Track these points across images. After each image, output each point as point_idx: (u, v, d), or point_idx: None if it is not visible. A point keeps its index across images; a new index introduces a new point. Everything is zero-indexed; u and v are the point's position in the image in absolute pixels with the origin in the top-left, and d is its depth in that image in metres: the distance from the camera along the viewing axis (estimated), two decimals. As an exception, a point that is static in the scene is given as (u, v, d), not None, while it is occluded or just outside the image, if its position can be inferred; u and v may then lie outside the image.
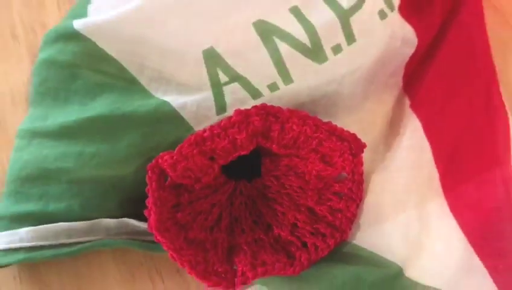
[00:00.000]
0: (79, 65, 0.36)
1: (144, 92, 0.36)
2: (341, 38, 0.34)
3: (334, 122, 0.35)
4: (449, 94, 0.37)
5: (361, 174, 0.34)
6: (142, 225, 0.33)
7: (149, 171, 0.32)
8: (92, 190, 0.33)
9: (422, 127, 0.36)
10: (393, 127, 0.37)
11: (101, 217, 0.33)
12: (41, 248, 0.32)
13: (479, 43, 0.39)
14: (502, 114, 0.36)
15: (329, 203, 0.33)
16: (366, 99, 0.37)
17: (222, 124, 0.33)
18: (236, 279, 0.31)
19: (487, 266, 0.33)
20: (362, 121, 0.37)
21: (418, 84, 0.38)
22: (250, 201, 0.34)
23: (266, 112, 0.33)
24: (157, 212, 0.30)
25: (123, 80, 0.36)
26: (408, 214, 0.34)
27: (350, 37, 0.34)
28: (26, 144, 0.34)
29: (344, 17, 0.34)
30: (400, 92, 0.38)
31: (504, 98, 0.38)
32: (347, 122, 0.36)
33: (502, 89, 0.38)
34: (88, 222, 0.33)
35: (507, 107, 0.37)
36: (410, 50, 0.37)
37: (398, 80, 0.38)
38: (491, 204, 0.35)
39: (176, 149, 0.32)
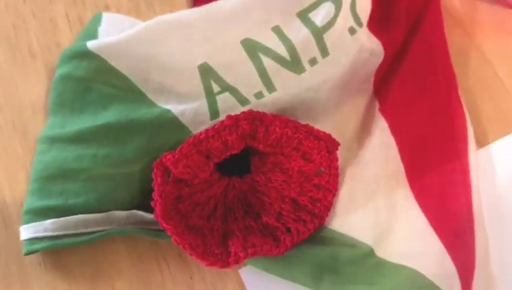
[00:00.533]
0: (92, 79, 0.38)
1: (148, 101, 0.38)
2: (316, 52, 0.37)
3: (312, 125, 0.37)
4: (413, 98, 0.39)
5: (337, 168, 0.37)
6: (149, 216, 0.35)
7: (155, 169, 0.34)
8: (105, 186, 0.35)
9: (389, 128, 0.38)
10: (364, 128, 0.39)
11: (114, 210, 0.35)
12: (63, 236, 0.35)
13: (439, 52, 0.40)
14: (460, 114, 0.39)
15: (309, 194, 0.36)
16: (341, 104, 0.39)
17: (215, 127, 0.35)
18: (230, 259, 0.34)
19: (445, 245, 0.35)
20: (338, 123, 0.39)
21: (386, 90, 0.40)
22: (241, 194, 0.36)
23: (253, 116, 0.35)
24: (162, 203, 0.33)
25: (130, 92, 0.38)
26: (377, 202, 0.37)
27: (324, 51, 0.37)
28: (47, 148, 0.37)
29: (318, 34, 0.37)
30: (371, 97, 0.40)
31: (463, 100, 0.39)
32: (324, 125, 0.38)
33: (460, 93, 0.40)
34: (103, 213, 0.35)
35: (465, 108, 0.39)
36: (378, 60, 0.39)
37: (369, 86, 0.40)
38: (450, 192, 0.37)
39: (177, 149, 0.34)
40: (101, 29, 0.39)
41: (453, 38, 0.41)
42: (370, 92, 0.40)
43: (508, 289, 0.36)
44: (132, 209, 0.35)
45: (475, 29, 0.43)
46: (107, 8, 0.43)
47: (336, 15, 0.36)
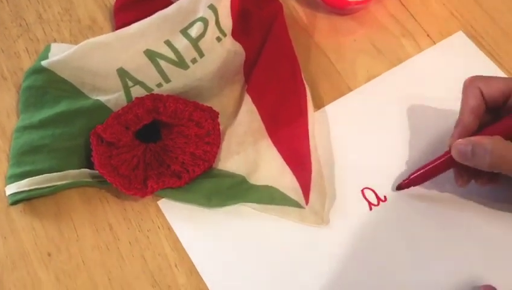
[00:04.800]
0: (47, 86, 0.47)
1: (85, 96, 0.47)
2: (195, 55, 0.46)
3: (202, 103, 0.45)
4: (268, 80, 0.48)
5: (219, 130, 0.45)
6: (93, 171, 0.43)
7: (91, 136, 0.43)
8: (62, 154, 0.44)
9: (251, 100, 0.47)
10: (238, 102, 0.48)
11: (69, 169, 0.44)
12: (35, 189, 0.43)
13: (285, 48, 0.49)
14: (302, 89, 0.47)
15: (202, 148, 0.44)
16: (222, 89, 0.48)
17: (128, 105, 0.44)
18: (147, 190, 0.43)
19: (293, 171, 0.45)
20: (222, 103, 0.48)
21: (251, 76, 0.48)
22: (156, 154, 0.45)
23: (153, 97, 0.45)
24: (98, 157, 0.42)
25: (73, 92, 0.47)
26: (247, 149, 0.46)
27: (200, 54, 0.46)
28: (20, 134, 0.46)
29: (194, 42, 0.46)
30: (243, 83, 0.49)
31: (305, 80, 0.48)
32: (211, 103, 0.46)
33: (304, 75, 0.48)
34: (61, 172, 0.43)
35: (306, 85, 0.48)
36: (241, 58, 0.48)
37: (241, 76, 0.49)
38: (296, 139, 0.46)
39: (105, 122, 0.44)
40: (50, 54, 0.49)
41: (299, 39, 0.50)
42: (242, 80, 0.49)
43: (335, 195, 0.45)
44: (81, 168, 0.44)
45: (315, 32, 0.51)
46: (55, 42, 0.51)
47: (205, 29, 0.46)
